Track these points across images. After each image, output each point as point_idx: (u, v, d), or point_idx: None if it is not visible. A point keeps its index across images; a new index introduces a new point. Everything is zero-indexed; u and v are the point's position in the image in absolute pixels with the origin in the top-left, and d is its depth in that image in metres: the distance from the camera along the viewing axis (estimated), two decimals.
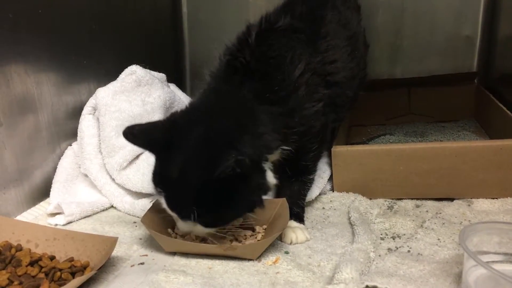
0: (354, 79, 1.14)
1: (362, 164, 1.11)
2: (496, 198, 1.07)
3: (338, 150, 1.12)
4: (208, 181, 0.78)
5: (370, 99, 1.55)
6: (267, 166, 0.88)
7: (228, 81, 0.92)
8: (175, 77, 1.71)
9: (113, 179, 1.11)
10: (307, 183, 1.04)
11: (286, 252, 0.90)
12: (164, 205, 0.84)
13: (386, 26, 1.64)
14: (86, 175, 1.15)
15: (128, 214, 1.08)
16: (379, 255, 0.88)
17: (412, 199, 1.10)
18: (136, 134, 0.85)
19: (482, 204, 1.05)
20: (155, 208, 0.94)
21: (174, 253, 0.90)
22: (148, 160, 1.08)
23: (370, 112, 1.60)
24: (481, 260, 0.68)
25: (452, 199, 1.08)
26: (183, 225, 0.86)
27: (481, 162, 1.06)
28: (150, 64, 1.32)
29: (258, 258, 0.87)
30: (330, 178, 1.16)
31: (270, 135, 0.88)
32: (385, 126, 1.62)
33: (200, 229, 0.86)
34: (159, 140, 0.84)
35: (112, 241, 0.84)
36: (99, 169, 1.12)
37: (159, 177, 0.84)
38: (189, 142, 0.81)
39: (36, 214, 1.05)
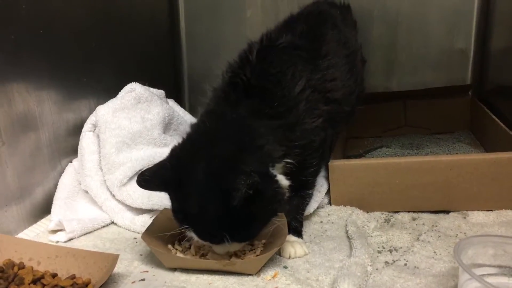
0: (352, 95, 1.16)
1: (359, 177, 1.13)
2: (491, 211, 1.08)
3: (335, 164, 1.14)
4: (227, 209, 0.80)
5: (367, 112, 1.57)
6: (276, 172, 0.89)
7: (226, 101, 0.94)
8: (174, 92, 1.73)
9: (114, 196, 1.12)
10: (306, 198, 1.06)
11: (285, 267, 0.91)
12: (195, 238, 0.86)
13: (380, 40, 1.66)
14: (86, 192, 1.16)
15: (128, 230, 1.09)
16: (376, 269, 0.89)
17: (408, 212, 1.12)
18: (149, 179, 0.87)
19: (477, 217, 1.07)
20: (155, 224, 0.96)
21: (174, 269, 0.91)
22: None
23: (367, 124, 1.62)
24: (475, 274, 0.70)
25: (448, 212, 1.10)
26: (219, 249, 0.88)
27: (476, 175, 1.07)
28: (148, 80, 1.34)
29: (257, 273, 0.88)
30: (328, 192, 1.17)
31: (270, 145, 0.89)
32: (381, 139, 1.63)
33: (236, 245, 0.88)
34: (170, 181, 0.86)
35: (113, 258, 0.85)
36: (99, 185, 1.13)
37: (182, 215, 0.86)
38: (197, 177, 0.83)
39: (37, 231, 1.07)
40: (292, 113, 0.95)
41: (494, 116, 1.40)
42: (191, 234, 0.86)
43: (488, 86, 1.60)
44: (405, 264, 0.90)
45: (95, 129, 1.19)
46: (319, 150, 1.02)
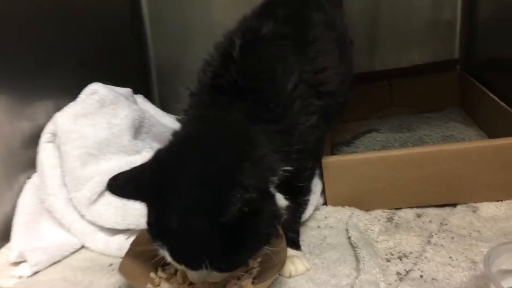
0: (344, 83, 1.04)
1: (356, 174, 1.03)
2: (501, 201, 1.00)
3: (329, 161, 1.03)
4: (215, 227, 0.67)
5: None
6: (274, 189, 0.77)
7: (215, 105, 0.80)
8: (142, 86, 1.59)
9: (82, 216, 0.98)
10: (302, 205, 0.95)
11: None
12: (168, 258, 0.72)
13: (362, 17, 1.55)
14: (51, 211, 1.02)
15: (102, 253, 0.96)
16: (389, 284, 0.79)
17: (412, 207, 1.02)
18: (122, 185, 0.73)
19: (487, 209, 0.98)
20: (133, 251, 0.83)
21: None
22: None
23: (352, 107, 1.51)
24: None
25: (455, 205, 1.01)
26: (195, 276, 0.74)
27: (482, 164, 0.99)
28: (112, 75, 1.20)
29: None
30: (323, 192, 1.07)
31: (271, 155, 0.76)
32: (368, 121, 1.54)
33: (215, 275, 0.74)
34: (148, 187, 0.72)
35: None
36: (65, 205, 0.99)
37: (157, 229, 0.72)
38: (183, 184, 0.69)
39: None
40: (288, 114, 0.82)
41: (485, 90, 1.33)
42: (164, 253, 0.72)
43: (477, 59, 1.51)
44: (421, 276, 0.80)
45: (55, 140, 1.04)
46: (313, 151, 0.90)
